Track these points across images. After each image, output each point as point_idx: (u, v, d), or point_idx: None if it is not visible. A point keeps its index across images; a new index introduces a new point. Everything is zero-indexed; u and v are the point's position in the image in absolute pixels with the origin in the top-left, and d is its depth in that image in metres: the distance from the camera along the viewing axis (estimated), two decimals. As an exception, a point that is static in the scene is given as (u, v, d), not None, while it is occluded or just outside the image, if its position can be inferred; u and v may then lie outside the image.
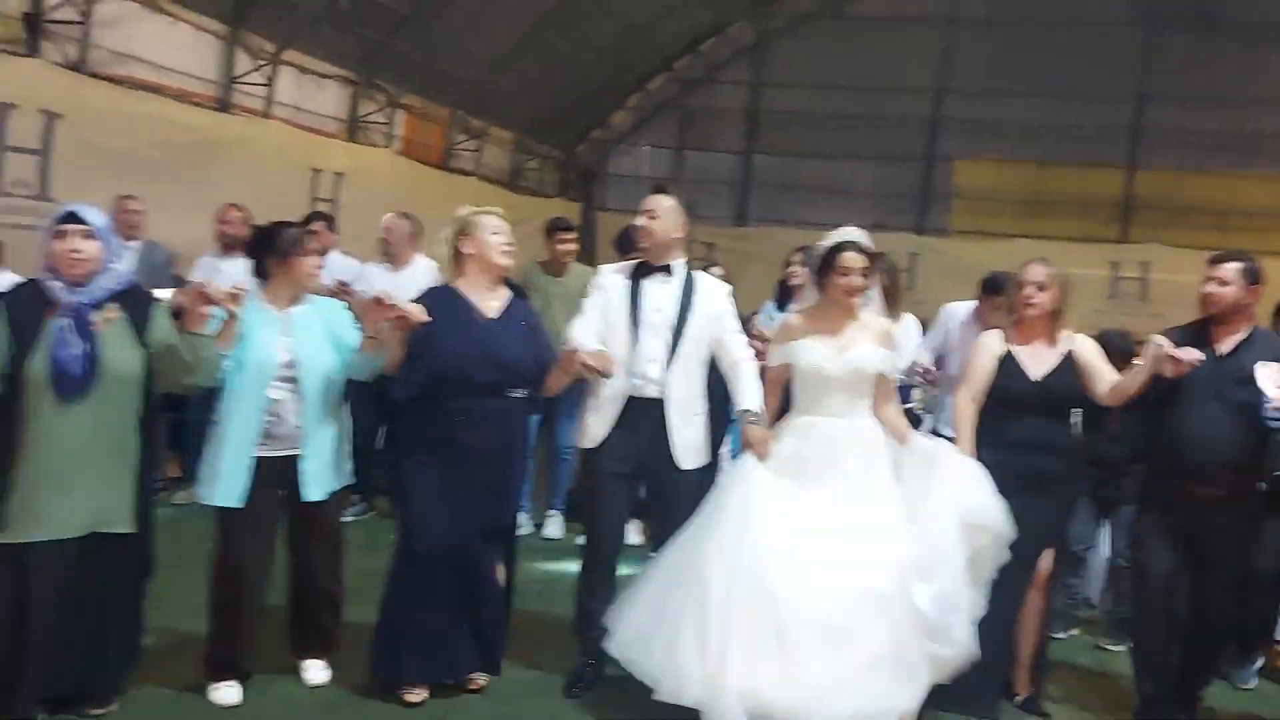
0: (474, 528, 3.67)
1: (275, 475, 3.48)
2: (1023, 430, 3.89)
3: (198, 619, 3.82)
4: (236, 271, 5.40)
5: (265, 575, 3.66)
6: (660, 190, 3.93)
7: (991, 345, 4.03)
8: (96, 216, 3.00)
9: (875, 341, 3.88)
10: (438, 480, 3.57)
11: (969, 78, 14.81)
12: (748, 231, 15.38)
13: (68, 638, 3.07)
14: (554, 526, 6.23)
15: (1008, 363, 3.96)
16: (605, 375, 3.64)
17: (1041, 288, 3.90)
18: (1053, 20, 14.14)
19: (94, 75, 9.19)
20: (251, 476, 3.39)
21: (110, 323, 3.02)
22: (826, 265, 3.85)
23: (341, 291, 4.72)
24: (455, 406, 3.57)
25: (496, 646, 3.89)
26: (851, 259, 3.79)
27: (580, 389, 4.95)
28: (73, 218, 2.95)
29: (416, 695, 3.67)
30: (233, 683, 3.58)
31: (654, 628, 3.62)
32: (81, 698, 3.22)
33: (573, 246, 6.06)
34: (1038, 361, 3.94)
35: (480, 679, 3.86)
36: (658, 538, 3.96)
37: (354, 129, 12.68)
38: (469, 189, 14.54)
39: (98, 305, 3.00)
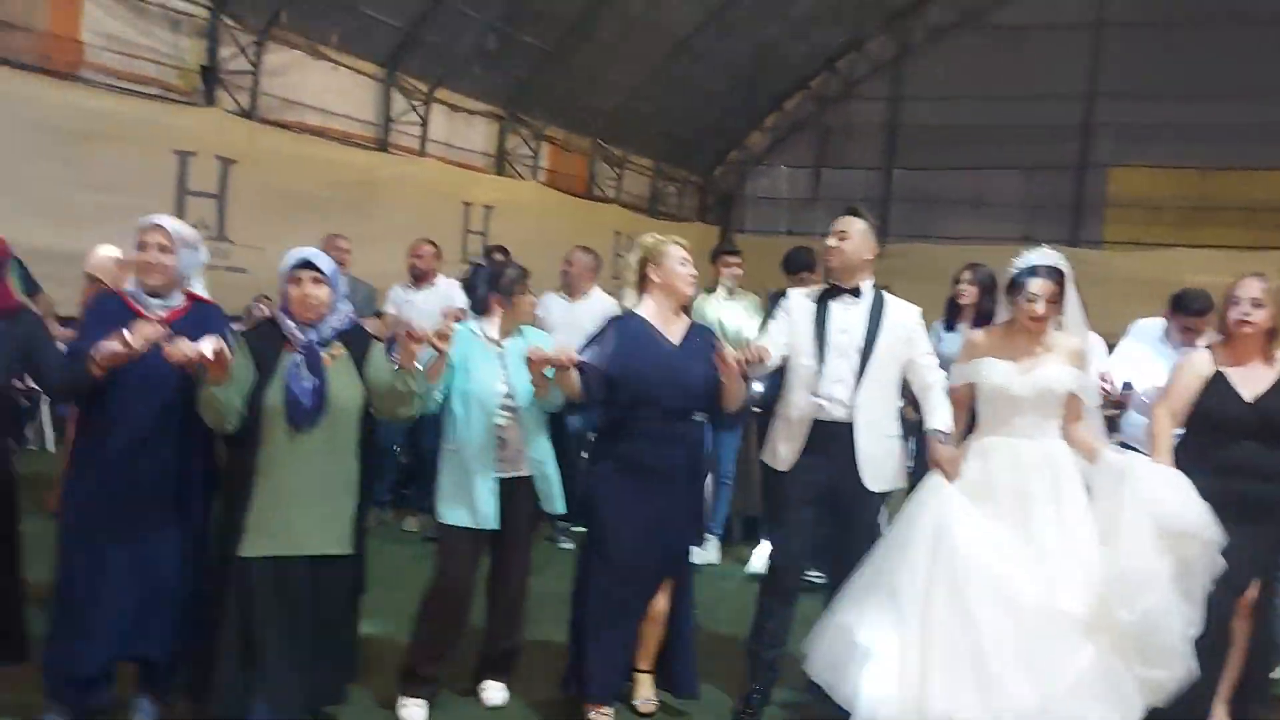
0: (660, 548, 3.71)
1: (502, 497, 3.62)
2: (1235, 455, 3.69)
3: (379, 634, 3.96)
4: (426, 302, 5.64)
5: (472, 595, 3.76)
6: (853, 211, 3.91)
7: (1199, 366, 3.83)
8: (326, 263, 3.19)
9: (1065, 360, 3.77)
10: (626, 500, 3.63)
11: (1122, 81, 14.27)
12: (889, 249, 15.07)
13: (293, 655, 3.22)
14: (711, 551, 6.22)
15: (1218, 384, 3.76)
16: (762, 361, 3.63)
17: (1258, 304, 3.70)
18: (1209, 17, 13.52)
19: (264, 122, 9.77)
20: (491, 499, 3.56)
21: (336, 359, 3.23)
22: (1013, 288, 3.76)
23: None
24: (642, 429, 3.62)
25: (691, 667, 3.89)
26: (1038, 286, 3.69)
27: (744, 415, 4.94)
28: (307, 265, 3.14)
29: (605, 715, 3.70)
30: (422, 701, 3.68)
31: (848, 651, 3.58)
32: (304, 712, 3.37)
33: (738, 271, 6.08)
34: (1252, 382, 3.72)
35: (651, 705, 3.87)
36: (839, 561, 3.91)
37: (501, 162, 13.07)
38: (610, 216, 14.81)
39: (326, 343, 3.21)
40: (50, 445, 7.29)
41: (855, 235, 3.82)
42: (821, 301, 3.87)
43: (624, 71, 13.69)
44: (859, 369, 3.77)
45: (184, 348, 2.92)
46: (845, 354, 3.77)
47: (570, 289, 5.81)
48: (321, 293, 3.15)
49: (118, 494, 3.14)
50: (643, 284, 3.76)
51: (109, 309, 3.20)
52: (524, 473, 3.67)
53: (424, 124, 11.62)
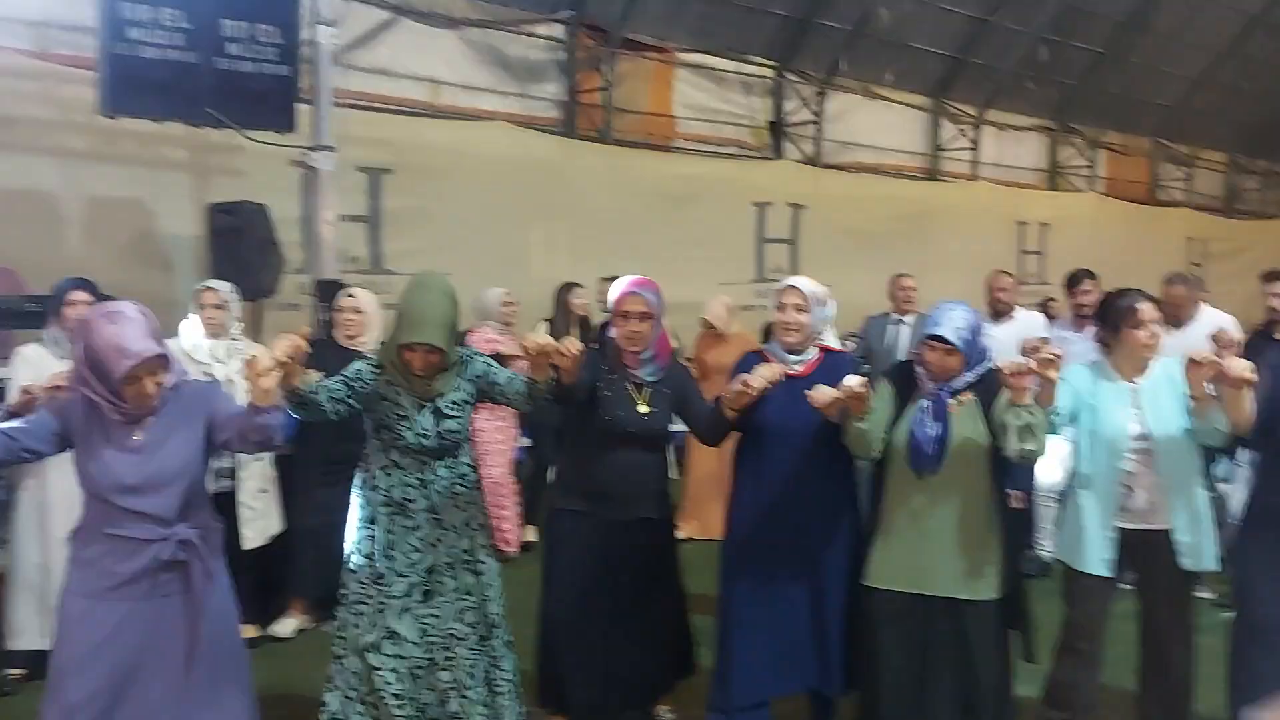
0: None
1: (1127, 548, 3.43)
2: None
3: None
4: (1005, 335, 5.51)
5: (1104, 642, 3.61)
6: None
7: None
8: (955, 334, 3.20)
9: None
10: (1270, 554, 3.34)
11: None
12: None
13: (924, 692, 3.27)
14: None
15: None
16: None
17: None
18: None
19: (826, 166, 10.48)
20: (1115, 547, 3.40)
21: (963, 405, 3.27)
22: None
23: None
24: None
25: None
26: None
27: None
28: (938, 339, 3.22)
29: None
30: None
31: None
32: None
33: None
34: None
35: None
36: None
37: (1053, 177, 12.67)
38: (1179, 221, 13.57)
39: (955, 393, 3.28)
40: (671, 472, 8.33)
41: None
42: None
43: (1185, 61, 12.56)
44: None
45: (825, 392, 3.13)
46: None
47: (1174, 319, 5.37)
48: (951, 362, 3.22)
49: (772, 529, 3.40)
50: None
51: (751, 366, 3.41)
52: (1159, 527, 3.40)
53: (974, 147, 11.65)
